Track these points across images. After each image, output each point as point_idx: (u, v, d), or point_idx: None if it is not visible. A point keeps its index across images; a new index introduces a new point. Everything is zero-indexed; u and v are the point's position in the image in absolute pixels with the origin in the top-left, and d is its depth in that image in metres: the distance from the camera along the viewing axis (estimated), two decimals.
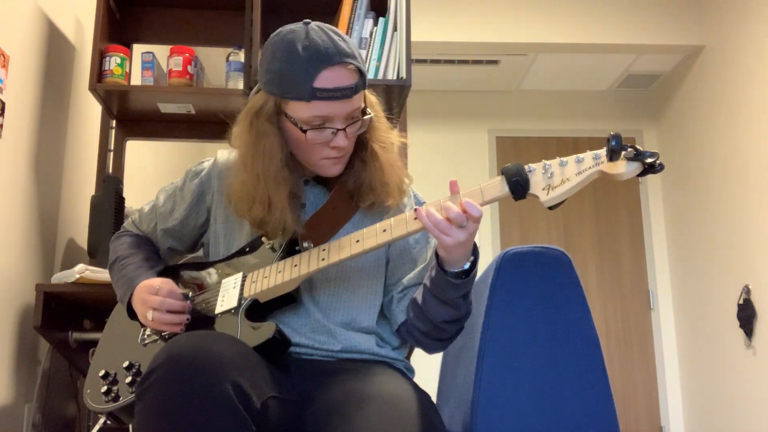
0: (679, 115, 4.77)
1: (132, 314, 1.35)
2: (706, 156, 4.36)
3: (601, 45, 4.29)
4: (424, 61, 4.59)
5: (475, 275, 1.20)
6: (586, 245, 4.97)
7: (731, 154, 4.05)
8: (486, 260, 1.23)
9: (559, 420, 1.21)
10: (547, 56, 4.59)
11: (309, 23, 1.25)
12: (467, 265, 1.18)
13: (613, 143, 1.03)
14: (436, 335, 1.28)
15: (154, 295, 1.27)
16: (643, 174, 1.05)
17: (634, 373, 4.79)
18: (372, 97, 1.35)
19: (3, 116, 2.07)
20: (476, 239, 1.33)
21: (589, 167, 1.07)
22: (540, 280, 1.27)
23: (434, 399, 1.32)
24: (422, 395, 1.19)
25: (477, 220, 1.12)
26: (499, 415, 1.21)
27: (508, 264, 1.28)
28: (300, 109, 1.22)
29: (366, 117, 1.28)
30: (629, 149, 1.04)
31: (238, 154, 1.31)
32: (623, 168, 1.04)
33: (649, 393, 4.77)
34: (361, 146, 1.32)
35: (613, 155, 1.04)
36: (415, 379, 1.32)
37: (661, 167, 1.03)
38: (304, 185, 1.36)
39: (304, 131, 1.23)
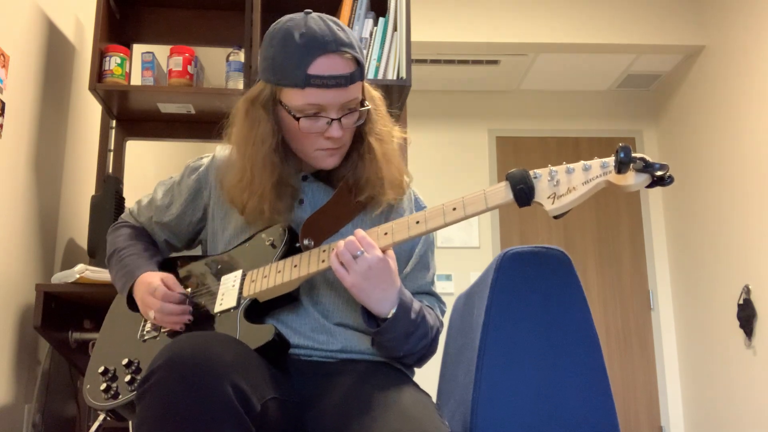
0: (679, 115, 4.77)
1: (132, 305, 1.35)
2: (706, 156, 4.35)
3: (601, 45, 4.29)
4: (424, 61, 4.59)
5: (397, 327, 1.20)
6: (586, 245, 4.96)
7: (731, 154, 4.05)
8: (486, 260, 1.22)
9: (559, 420, 1.21)
10: (547, 56, 4.59)
11: (310, 13, 1.25)
12: (393, 311, 1.19)
13: (622, 155, 0.99)
14: (402, 361, 1.30)
15: (151, 295, 1.27)
16: (651, 186, 1.01)
17: (634, 373, 4.79)
18: (374, 92, 1.34)
19: (3, 116, 2.07)
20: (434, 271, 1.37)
21: (597, 176, 1.04)
22: (540, 280, 1.26)
23: (434, 399, 1.31)
24: (425, 400, 1.18)
25: (371, 247, 1.15)
26: (499, 415, 1.21)
27: (508, 264, 1.27)
28: (294, 97, 1.22)
29: (363, 108, 1.27)
30: (638, 161, 1.00)
31: (233, 140, 1.32)
32: (632, 179, 1.01)
33: (649, 393, 4.77)
34: (359, 140, 1.32)
35: (621, 167, 1.00)
36: (415, 379, 1.32)
37: (671, 180, 1.00)
38: (302, 181, 1.35)
39: (297, 119, 1.22)
